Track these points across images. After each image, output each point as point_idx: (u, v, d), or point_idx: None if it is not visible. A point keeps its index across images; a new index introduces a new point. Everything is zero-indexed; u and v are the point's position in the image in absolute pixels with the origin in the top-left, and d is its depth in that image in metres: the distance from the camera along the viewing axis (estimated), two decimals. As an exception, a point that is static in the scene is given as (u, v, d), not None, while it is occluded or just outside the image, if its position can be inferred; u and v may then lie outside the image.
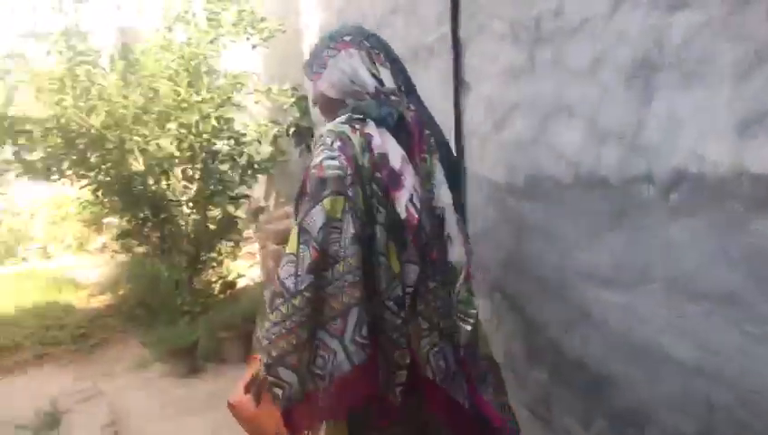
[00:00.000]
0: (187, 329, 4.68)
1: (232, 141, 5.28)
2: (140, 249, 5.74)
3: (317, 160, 1.48)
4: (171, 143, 4.81)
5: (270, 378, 1.43)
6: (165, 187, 5.06)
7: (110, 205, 5.18)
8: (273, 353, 1.41)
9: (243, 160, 5.16)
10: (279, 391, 1.43)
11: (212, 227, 5.35)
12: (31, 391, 4.36)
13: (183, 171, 5.04)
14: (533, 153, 1.94)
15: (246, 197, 5.30)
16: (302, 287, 1.39)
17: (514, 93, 2.03)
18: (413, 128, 1.60)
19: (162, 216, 5.21)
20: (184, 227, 5.24)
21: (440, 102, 2.36)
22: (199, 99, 4.79)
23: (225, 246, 5.96)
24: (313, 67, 1.70)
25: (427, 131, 1.64)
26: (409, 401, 1.55)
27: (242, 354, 4.50)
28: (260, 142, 5.57)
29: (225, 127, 4.96)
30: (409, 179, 1.52)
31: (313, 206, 1.43)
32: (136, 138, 4.86)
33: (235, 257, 6.48)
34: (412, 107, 1.64)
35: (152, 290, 5.72)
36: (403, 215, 1.49)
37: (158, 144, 4.84)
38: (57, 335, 5.19)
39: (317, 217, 1.41)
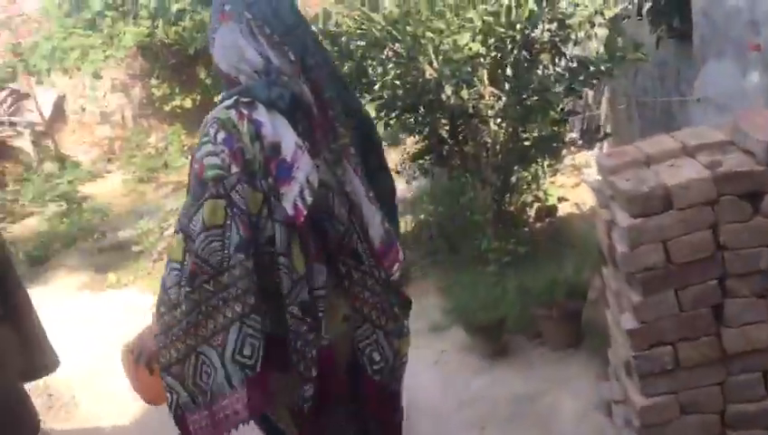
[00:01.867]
0: (493, 289, 3.57)
1: (554, 25, 3.77)
2: (439, 170, 4.75)
3: (198, 155, 1.37)
4: (474, 39, 3.49)
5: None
6: (466, 97, 3.83)
7: (400, 122, 4.17)
8: (161, 360, 1.37)
9: (569, 57, 3.65)
10: (169, 396, 1.37)
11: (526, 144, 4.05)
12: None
13: (489, 76, 3.72)
14: None
15: (575, 113, 3.80)
16: (182, 299, 1.33)
17: None
18: (313, 108, 1.45)
19: (462, 134, 4.06)
20: (490, 148, 4.01)
21: None
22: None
23: (541, 163, 4.62)
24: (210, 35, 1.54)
25: (331, 111, 1.48)
26: (335, 417, 1.51)
27: (566, 337, 3.24)
28: (593, 27, 3.96)
29: (548, 9, 3.43)
30: (303, 170, 1.39)
31: (195, 210, 1.33)
32: (429, 34, 3.67)
33: (554, 172, 5.11)
34: (311, 83, 1.45)
35: (454, 218, 4.74)
36: (290, 212, 1.37)
37: (455, 41, 3.57)
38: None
39: (197, 224, 1.33)
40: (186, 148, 8.89)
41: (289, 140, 1.39)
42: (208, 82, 8.62)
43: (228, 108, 1.39)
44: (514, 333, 3.42)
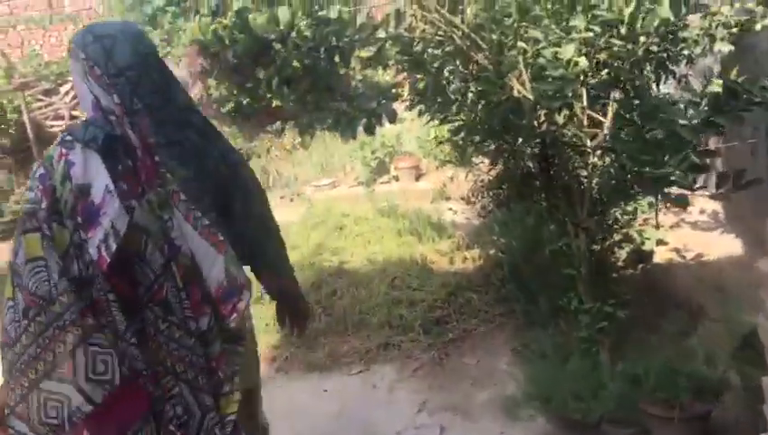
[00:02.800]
0: (588, 370, 2.84)
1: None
2: (516, 202, 4.04)
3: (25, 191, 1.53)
4: (578, 53, 2.78)
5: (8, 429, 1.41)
6: (560, 123, 3.13)
7: (477, 148, 3.51)
8: (8, 403, 1.41)
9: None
10: None
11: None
12: (358, 404, 3.17)
13: (591, 101, 2.99)
14: None
15: (715, 154, 3.02)
16: (20, 334, 1.39)
17: None
18: (138, 150, 1.48)
19: (552, 167, 3.35)
20: (586, 185, 3.29)
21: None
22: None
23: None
24: None
25: (156, 156, 1.49)
26: None
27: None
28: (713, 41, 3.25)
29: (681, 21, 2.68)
30: (109, 215, 1.43)
31: (18, 245, 1.43)
32: (520, 44, 2.98)
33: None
34: (144, 126, 1.49)
35: (534, 260, 4.02)
36: (94, 256, 1.43)
37: (555, 53, 2.87)
38: (405, 316, 3.89)
39: (20, 259, 1.42)
40: (241, 151, 8.51)
41: (100, 184, 1.43)
42: (269, 84, 8.17)
43: (56, 145, 1.48)
44: (615, 427, 2.68)
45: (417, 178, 6.85)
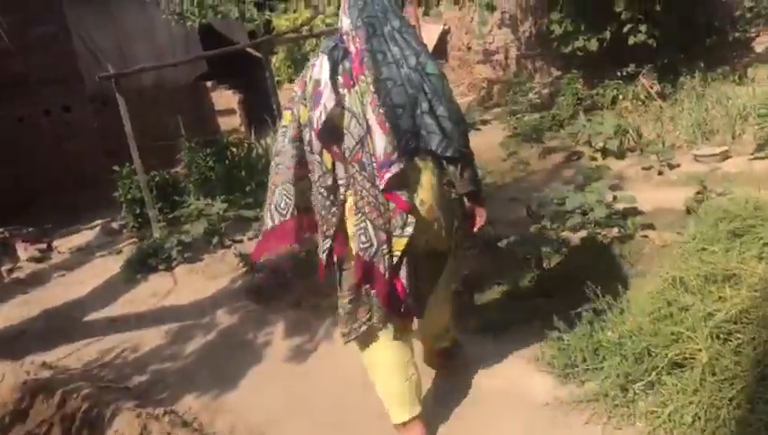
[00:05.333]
0: None
1: None
2: None
3: None
4: None
5: None
6: None
7: None
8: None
9: None
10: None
11: None
12: None
13: None
14: None
15: None
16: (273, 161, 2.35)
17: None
18: (354, 56, 2.14)
19: None
20: None
21: None
22: None
23: None
24: None
25: (366, 58, 2.11)
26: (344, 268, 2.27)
27: None
28: None
29: None
30: (326, 99, 2.11)
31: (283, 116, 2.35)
32: None
33: None
34: (358, 43, 2.14)
35: None
36: (315, 126, 2.15)
37: None
38: None
39: (279, 124, 2.38)
40: (579, 100, 7.00)
41: (324, 78, 2.13)
42: (625, 17, 6.49)
43: (320, 52, 2.22)
44: None
45: None
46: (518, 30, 9.16)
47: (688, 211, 4.06)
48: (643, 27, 6.44)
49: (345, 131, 2.11)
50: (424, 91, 2.11)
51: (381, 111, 2.06)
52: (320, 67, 2.13)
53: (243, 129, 9.13)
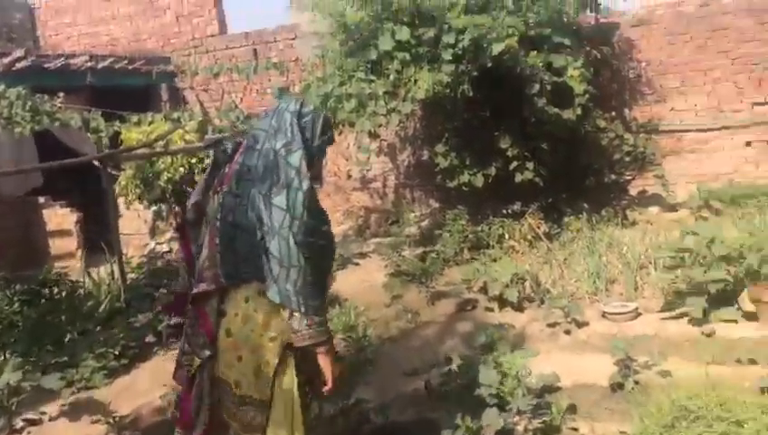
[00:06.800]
0: None
1: None
2: None
3: None
4: None
5: None
6: None
7: None
8: None
9: None
10: None
11: None
12: None
13: None
14: None
15: None
16: None
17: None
18: (227, 167, 2.22)
19: None
20: None
21: None
22: None
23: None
24: None
25: (235, 171, 2.15)
26: None
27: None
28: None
29: None
30: (194, 194, 2.26)
31: None
32: None
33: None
34: (234, 155, 2.22)
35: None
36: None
37: None
38: None
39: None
40: (465, 237, 6.46)
41: (204, 175, 2.34)
42: (511, 154, 6.18)
43: None
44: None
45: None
46: (396, 159, 8.78)
47: (613, 389, 3.42)
48: (530, 165, 6.13)
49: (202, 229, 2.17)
50: (261, 220, 1.96)
51: (218, 224, 2.05)
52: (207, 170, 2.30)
53: (79, 253, 7.70)
